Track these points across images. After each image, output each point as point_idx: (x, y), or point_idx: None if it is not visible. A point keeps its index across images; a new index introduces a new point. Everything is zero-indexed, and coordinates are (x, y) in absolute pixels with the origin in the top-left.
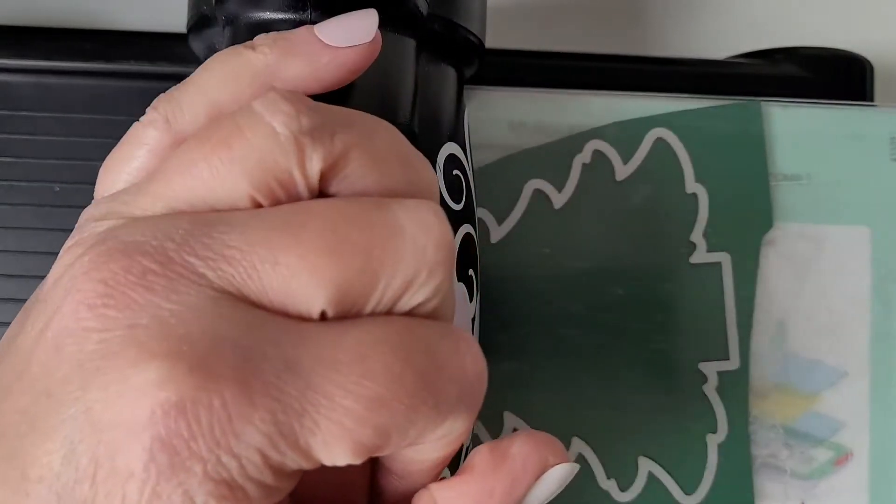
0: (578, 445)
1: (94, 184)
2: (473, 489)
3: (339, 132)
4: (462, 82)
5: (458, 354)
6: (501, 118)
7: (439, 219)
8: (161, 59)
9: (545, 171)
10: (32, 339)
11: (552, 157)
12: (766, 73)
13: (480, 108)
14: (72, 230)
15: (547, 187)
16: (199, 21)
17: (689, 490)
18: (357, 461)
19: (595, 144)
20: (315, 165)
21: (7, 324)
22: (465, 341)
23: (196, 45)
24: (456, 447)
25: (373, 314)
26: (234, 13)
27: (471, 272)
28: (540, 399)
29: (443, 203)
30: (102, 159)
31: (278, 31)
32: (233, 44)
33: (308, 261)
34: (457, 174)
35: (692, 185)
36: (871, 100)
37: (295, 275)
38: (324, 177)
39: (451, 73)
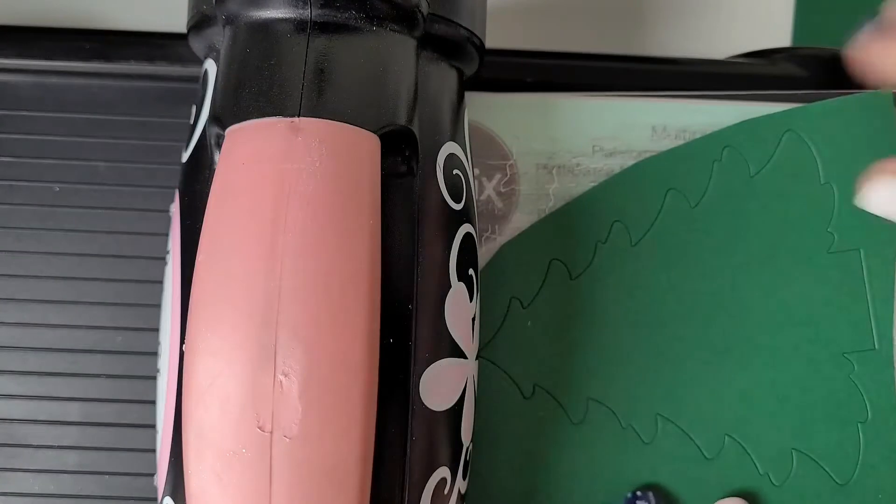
0: (731, 444)
1: (94, 184)
2: None
3: None
4: (462, 82)
5: None
6: (644, 123)
7: None
8: (161, 59)
9: (684, 173)
10: None
11: (690, 159)
12: (766, 73)
13: (624, 114)
14: (72, 230)
15: (685, 187)
16: (200, 20)
17: (842, 480)
18: None
19: (729, 142)
20: None
21: (7, 324)
22: None
23: (196, 45)
24: None
25: None
26: (234, 12)
27: (471, 272)
28: (691, 398)
29: (443, 203)
30: (102, 159)
31: (279, 30)
32: (233, 43)
33: None
34: (457, 174)
35: (826, 177)
36: None
37: None
38: None
39: (451, 73)
